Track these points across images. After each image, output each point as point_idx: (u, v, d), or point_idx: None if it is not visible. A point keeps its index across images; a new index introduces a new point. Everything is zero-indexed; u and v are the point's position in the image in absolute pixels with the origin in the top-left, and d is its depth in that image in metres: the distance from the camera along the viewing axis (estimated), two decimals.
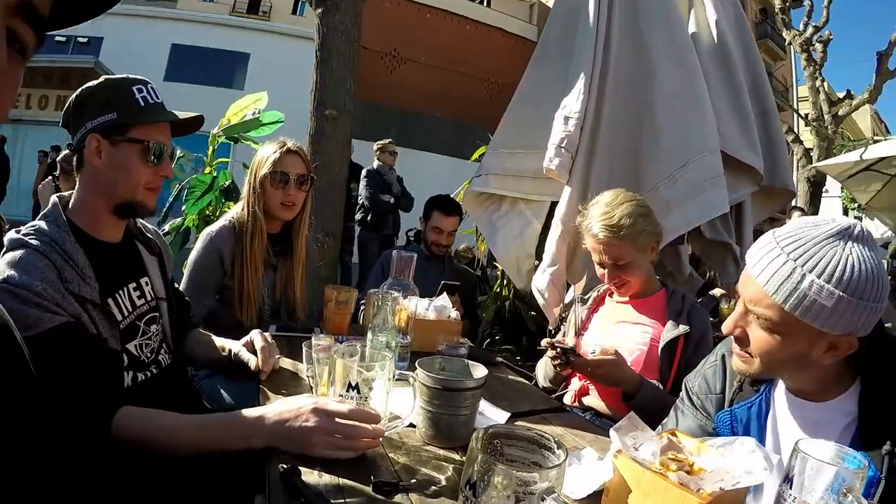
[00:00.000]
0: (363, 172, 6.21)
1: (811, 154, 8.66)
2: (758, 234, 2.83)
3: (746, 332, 1.06)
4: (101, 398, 1.08)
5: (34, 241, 1.17)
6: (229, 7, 21.54)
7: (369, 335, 1.45)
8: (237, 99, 3.93)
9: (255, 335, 1.55)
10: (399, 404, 1.19)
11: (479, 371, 1.19)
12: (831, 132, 8.53)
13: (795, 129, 9.71)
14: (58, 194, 1.34)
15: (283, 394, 1.35)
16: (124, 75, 1.34)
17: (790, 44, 9.22)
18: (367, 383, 1.09)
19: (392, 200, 6.25)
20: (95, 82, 1.33)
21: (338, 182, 3.62)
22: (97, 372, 1.14)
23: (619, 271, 1.84)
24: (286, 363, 1.61)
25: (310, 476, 0.93)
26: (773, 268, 0.98)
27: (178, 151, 1.42)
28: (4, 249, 1.17)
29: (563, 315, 2.25)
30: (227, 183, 3.66)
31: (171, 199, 3.81)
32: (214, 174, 3.69)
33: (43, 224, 1.23)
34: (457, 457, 1.09)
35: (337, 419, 1.01)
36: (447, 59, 14.39)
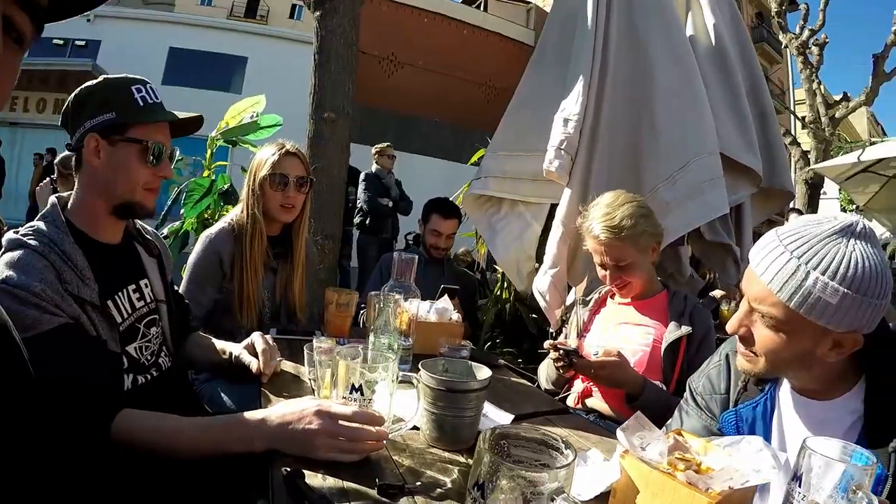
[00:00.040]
0: (362, 176, 6.20)
1: (808, 156, 8.69)
2: (756, 236, 2.84)
3: (751, 332, 1.06)
4: (100, 400, 1.07)
5: (33, 242, 1.16)
6: (227, 11, 21.60)
7: (371, 337, 1.44)
8: (235, 102, 3.93)
9: (256, 337, 1.53)
10: (402, 407, 1.18)
11: (483, 372, 1.18)
12: (828, 134, 8.56)
13: (793, 132, 9.74)
14: (56, 195, 1.33)
15: (285, 396, 1.34)
16: (123, 75, 1.33)
17: (786, 47, 9.27)
18: (370, 385, 1.08)
19: (390, 204, 6.25)
20: (94, 82, 1.32)
21: (337, 185, 3.62)
22: (97, 374, 1.13)
23: (621, 272, 1.84)
24: (287, 366, 1.59)
25: (313, 479, 0.92)
26: (777, 266, 0.97)
27: (177, 153, 1.40)
28: (3, 250, 1.16)
29: (565, 317, 2.25)
30: (225, 186, 3.64)
31: (169, 203, 3.80)
32: (213, 177, 3.68)
33: (42, 224, 1.22)
34: (462, 459, 1.08)
35: (340, 421, 1.00)
36: (445, 63, 14.40)
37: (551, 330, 2.65)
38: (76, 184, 1.33)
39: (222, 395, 1.73)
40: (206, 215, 3.59)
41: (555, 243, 2.57)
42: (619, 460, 0.85)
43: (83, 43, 14.78)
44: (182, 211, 3.58)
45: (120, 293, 1.34)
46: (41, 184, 4.35)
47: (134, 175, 1.30)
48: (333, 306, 1.91)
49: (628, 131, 2.65)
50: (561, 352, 1.68)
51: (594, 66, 2.59)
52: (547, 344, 1.73)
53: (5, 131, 13.79)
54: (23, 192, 10.16)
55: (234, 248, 1.97)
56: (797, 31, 8.86)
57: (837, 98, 8.82)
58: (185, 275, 2.00)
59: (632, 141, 2.64)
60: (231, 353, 1.56)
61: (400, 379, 1.13)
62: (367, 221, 6.19)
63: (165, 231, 3.54)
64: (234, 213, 2.07)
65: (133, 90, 1.30)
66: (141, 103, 1.30)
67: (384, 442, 1.06)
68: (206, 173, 3.77)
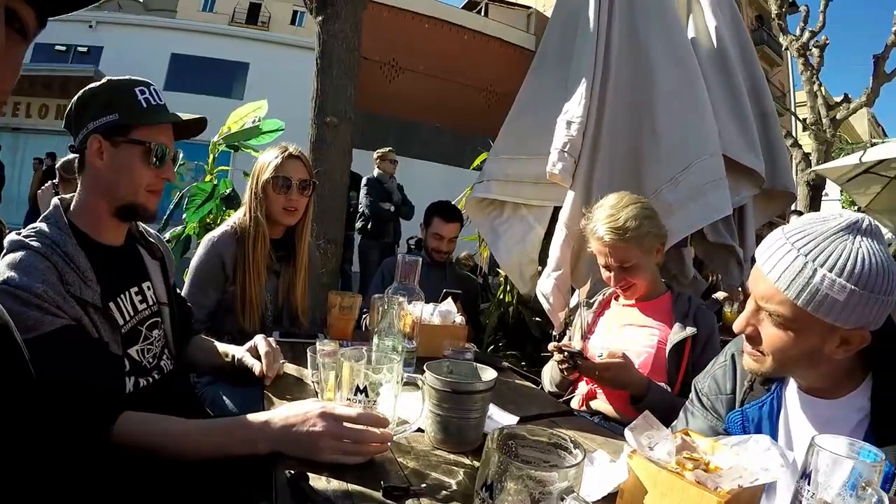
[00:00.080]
0: (363, 181, 6.21)
1: (810, 158, 8.68)
2: (758, 239, 2.83)
3: (758, 331, 1.05)
4: (102, 402, 1.07)
5: (35, 243, 1.15)
6: (228, 17, 21.71)
7: (375, 339, 1.44)
8: (236, 108, 3.94)
9: (259, 340, 1.53)
10: (406, 409, 1.17)
11: (489, 374, 1.17)
12: (830, 136, 8.56)
13: (794, 134, 9.74)
14: (59, 196, 1.32)
15: (288, 399, 1.33)
16: (127, 77, 1.33)
17: (787, 49, 9.28)
18: (374, 387, 1.08)
19: (392, 208, 6.25)
20: (98, 83, 1.31)
21: (339, 189, 3.62)
22: (98, 376, 1.12)
23: (626, 274, 1.83)
24: (290, 369, 1.59)
25: (317, 482, 0.91)
26: (784, 264, 0.97)
27: (180, 156, 1.40)
28: (5, 251, 1.15)
29: (568, 319, 2.24)
30: (227, 191, 3.64)
31: (171, 207, 3.80)
32: (215, 182, 3.69)
33: (44, 226, 1.22)
34: (467, 461, 1.07)
35: (345, 423, 0.99)
36: (445, 68, 14.44)
37: (554, 333, 2.64)
38: (79, 185, 1.33)
39: (224, 398, 1.72)
40: (208, 220, 3.60)
41: (558, 246, 2.57)
42: (627, 460, 0.84)
43: (85, 49, 14.84)
44: (184, 215, 3.59)
45: (122, 295, 1.34)
46: (43, 187, 4.34)
47: (137, 177, 1.30)
48: (336, 309, 1.91)
49: (630, 134, 2.65)
50: (565, 354, 1.67)
51: (596, 69, 2.60)
52: (551, 346, 1.72)
53: (7, 137, 13.86)
54: (24, 198, 10.19)
55: (236, 250, 1.97)
56: (797, 32, 8.87)
57: (838, 99, 8.82)
58: (188, 278, 1.99)
59: (634, 144, 2.64)
60: (233, 356, 1.56)
61: (404, 381, 1.12)
62: (369, 226, 6.19)
63: (167, 235, 3.54)
64: (236, 217, 2.06)
65: (136, 92, 1.30)
66: (144, 105, 1.30)
67: (388, 444, 1.05)
68: (208, 178, 3.77)
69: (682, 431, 0.93)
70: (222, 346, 1.63)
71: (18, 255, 1.13)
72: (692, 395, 1.36)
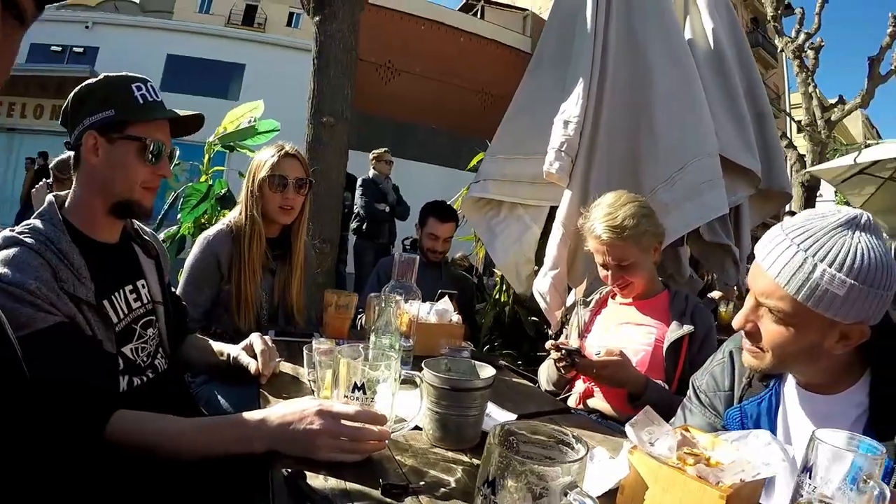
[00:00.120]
0: (359, 181, 6.19)
1: (805, 159, 8.71)
2: (753, 240, 2.84)
3: (758, 327, 1.06)
4: (95, 401, 1.05)
5: (29, 240, 1.14)
6: (225, 18, 21.67)
7: (372, 337, 1.43)
8: (232, 109, 3.93)
9: (255, 338, 1.51)
10: (404, 407, 1.16)
11: (487, 371, 1.17)
12: (824, 137, 8.60)
13: (788, 135, 9.78)
14: (54, 193, 1.31)
15: (284, 398, 1.32)
16: (124, 73, 1.32)
17: (782, 51, 9.31)
18: (372, 384, 1.07)
19: (387, 209, 6.24)
20: (94, 80, 1.30)
21: (335, 189, 3.61)
22: (92, 374, 1.10)
23: (623, 272, 1.83)
24: (286, 367, 1.58)
25: (315, 480, 0.90)
26: (784, 259, 0.97)
27: (177, 153, 1.39)
28: None
29: (565, 318, 2.24)
30: (222, 191, 3.63)
31: (165, 208, 3.79)
32: (210, 182, 3.67)
33: (38, 223, 1.20)
34: (465, 458, 1.06)
35: (342, 421, 0.98)
36: (441, 70, 14.42)
37: (550, 332, 2.64)
38: (74, 182, 1.31)
39: (219, 397, 1.70)
40: (202, 220, 3.58)
41: (555, 245, 2.56)
42: (628, 456, 0.84)
43: (81, 50, 14.79)
44: (179, 216, 3.58)
45: (116, 293, 1.32)
46: (37, 186, 4.31)
47: (132, 173, 1.29)
48: (333, 308, 1.90)
49: (627, 134, 2.65)
50: (563, 352, 1.67)
51: (593, 69, 2.60)
52: (548, 344, 1.72)
53: (2, 137, 13.81)
54: (18, 198, 10.13)
55: (232, 249, 1.96)
56: (793, 34, 8.90)
57: (833, 101, 8.86)
58: (183, 276, 1.98)
59: (631, 143, 2.65)
60: (229, 355, 1.54)
61: (402, 378, 1.11)
62: (364, 227, 6.18)
63: (162, 235, 3.52)
64: (232, 215, 2.05)
65: (133, 88, 1.28)
66: (141, 101, 1.28)
67: (386, 442, 1.04)
68: (203, 178, 3.76)
69: (682, 427, 0.93)
70: (217, 345, 1.62)
71: (12, 251, 1.11)
72: (690, 392, 1.36)
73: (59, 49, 14.70)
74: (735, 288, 2.90)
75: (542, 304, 2.60)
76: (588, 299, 2.06)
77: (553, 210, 2.80)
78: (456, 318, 1.98)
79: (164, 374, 1.46)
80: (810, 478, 0.77)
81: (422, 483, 0.93)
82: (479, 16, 18.38)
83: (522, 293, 3.16)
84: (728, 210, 2.52)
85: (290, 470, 0.90)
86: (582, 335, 1.97)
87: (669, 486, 0.77)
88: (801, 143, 9.20)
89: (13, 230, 1.17)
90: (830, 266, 0.93)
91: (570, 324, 2.09)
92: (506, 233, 3.02)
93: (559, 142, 2.53)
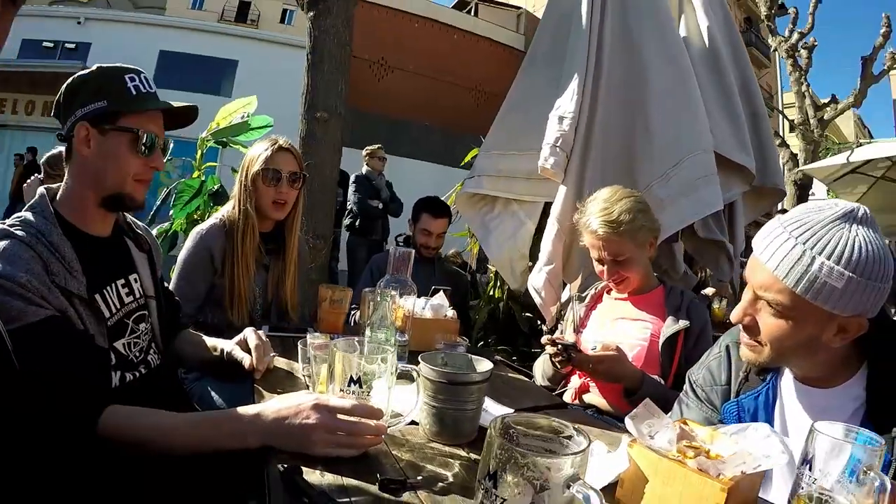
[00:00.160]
0: (352, 178, 6.18)
1: (797, 158, 8.77)
2: (747, 238, 2.84)
3: (756, 320, 1.06)
4: (87, 395, 1.04)
5: (19, 232, 1.12)
6: (218, 14, 21.56)
7: (367, 332, 1.42)
8: (225, 105, 3.89)
9: (249, 333, 1.49)
10: (399, 402, 1.14)
11: (484, 365, 1.16)
12: (817, 136, 8.65)
13: (781, 134, 9.83)
14: (45, 186, 1.29)
15: (279, 393, 1.30)
16: (118, 64, 1.29)
17: (776, 50, 9.36)
18: (368, 377, 1.05)
19: (380, 206, 6.23)
20: (87, 70, 1.28)
21: (328, 185, 3.59)
22: (83, 368, 1.09)
23: (619, 267, 1.82)
24: (280, 362, 1.56)
25: (311, 476, 0.88)
26: (782, 252, 0.98)
27: (171, 145, 1.37)
28: None
29: (560, 314, 2.24)
30: (215, 187, 3.60)
31: (158, 203, 3.75)
32: (203, 178, 3.64)
33: (29, 215, 1.18)
34: (463, 453, 1.05)
35: (339, 415, 0.97)
36: (435, 67, 14.43)
37: (544, 327, 2.64)
38: (66, 174, 1.29)
39: (212, 393, 1.69)
40: (195, 216, 3.55)
41: (550, 240, 2.56)
42: (627, 449, 0.83)
43: (73, 46, 14.62)
44: (171, 212, 3.54)
45: (108, 287, 1.30)
46: (28, 181, 4.27)
47: (124, 165, 1.26)
48: (327, 303, 1.88)
49: (623, 131, 2.66)
50: (559, 346, 1.66)
51: (588, 66, 2.61)
52: (545, 339, 1.71)
53: None
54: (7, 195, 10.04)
55: (225, 243, 1.94)
56: (786, 34, 8.95)
57: (825, 101, 8.92)
58: (176, 271, 1.96)
59: (626, 140, 2.65)
60: (223, 350, 1.52)
61: (398, 372, 1.10)
62: (357, 223, 6.16)
63: (154, 232, 3.49)
64: (225, 210, 2.03)
65: (126, 79, 1.26)
66: (134, 92, 1.26)
67: (382, 437, 1.03)
68: (195, 174, 3.73)
69: (681, 421, 0.93)
70: (210, 341, 1.60)
71: (2, 244, 1.09)
72: (686, 386, 1.36)
73: (51, 45, 14.54)
74: (729, 284, 2.91)
75: (537, 300, 2.60)
76: (583, 295, 2.06)
77: (547, 206, 2.79)
78: (451, 313, 1.97)
79: (156, 369, 1.44)
80: (810, 470, 0.77)
81: (419, 478, 0.92)
82: (472, 13, 18.36)
83: (517, 289, 3.16)
84: (723, 206, 2.52)
85: (285, 465, 0.89)
86: (577, 330, 1.97)
87: (670, 479, 0.77)
88: (794, 143, 9.26)
89: (3, 223, 1.15)
90: (829, 258, 0.93)
91: (565, 319, 2.08)
92: (500, 229, 3.02)
93: (554, 137, 2.53)
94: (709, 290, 3.69)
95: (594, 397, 1.82)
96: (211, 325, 1.89)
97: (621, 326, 1.87)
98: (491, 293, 3.84)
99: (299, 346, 1.43)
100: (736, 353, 1.24)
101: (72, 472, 1.02)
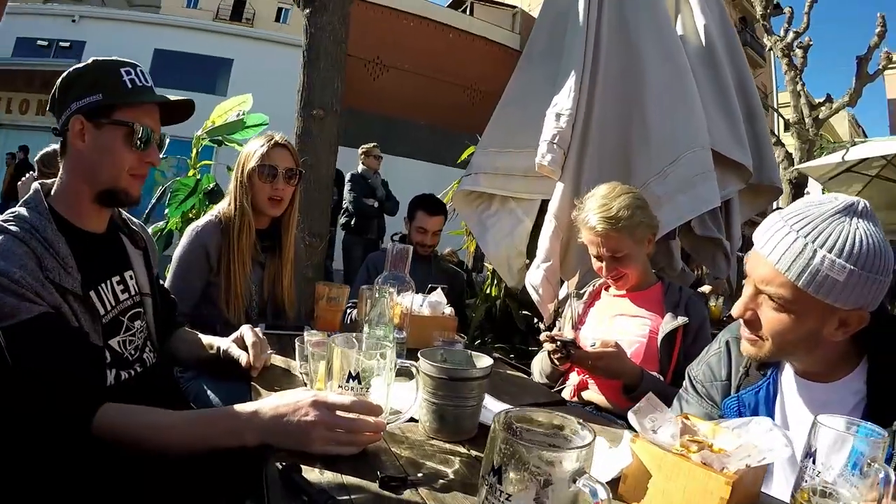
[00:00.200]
0: (347, 176, 6.16)
1: (792, 157, 8.79)
2: (744, 236, 2.84)
3: (757, 315, 1.06)
4: (81, 393, 1.02)
5: (13, 228, 1.10)
6: (213, 13, 21.48)
7: (365, 328, 1.40)
8: (220, 104, 3.87)
9: (246, 330, 1.48)
10: (398, 399, 1.13)
11: (484, 361, 1.15)
12: (812, 134, 8.68)
13: (776, 133, 9.86)
14: (40, 181, 1.27)
15: (276, 391, 1.29)
16: (114, 57, 1.28)
17: (771, 49, 9.38)
18: (367, 373, 1.04)
19: (376, 204, 6.21)
20: (83, 64, 1.26)
21: (324, 183, 3.58)
22: (78, 366, 1.07)
23: (617, 264, 1.82)
24: (278, 360, 1.55)
25: (310, 474, 0.87)
26: (784, 245, 0.98)
27: (167, 140, 1.35)
28: None
29: (558, 311, 2.23)
30: (210, 186, 3.58)
31: (153, 202, 3.73)
32: (198, 177, 3.62)
33: (23, 210, 1.16)
34: (463, 450, 1.04)
35: (338, 412, 0.96)
36: (430, 66, 14.42)
37: (541, 325, 2.63)
38: (60, 169, 1.27)
39: (209, 392, 1.67)
40: (190, 215, 3.53)
41: (547, 237, 2.56)
42: (630, 444, 0.83)
43: (68, 44, 14.55)
44: (166, 211, 3.52)
45: (103, 284, 1.29)
46: (23, 179, 4.24)
47: (119, 159, 1.25)
48: (324, 301, 1.86)
49: (620, 128, 2.65)
50: (558, 343, 1.65)
51: (585, 63, 2.60)
52: (543, 335, 1.71)
53: None
54: None
55: (221, 240, 1.92)
56: (781, 33, 8.97)
57: (820, 100, 8.95)
58: (171, 268, 1.94)
59: (623, 138, 2.65)
60: (219, 348, 1.51)
61: (397, 368, 1.09)
62: (353, 222, 6.14)
63: (149, 231, 3.47)
64: (220, 206, 2.02)
65: (122, 72, 1.25)
66: (129, 85, 1.24)
67: (381, 434, 1.02)
68: (191, 173, 3.71)
69: (682, 416, 0.92)
70: (207, 338, 1.58)
71: None
72: (686, 382, 1.36)
73: (46, 43, 14.47)
74: (726, 282, 2.91)
75: (535, 297, 2.59)
76: (581, 292, 2.05)
77: (544, 204, 2.79)
78: (449, 310, 1.96)
79: (152, 368, 1.42)
80: (814, 463, 0.77)
81: (420, 475, 0.91)
82: (468, 12, 18.36)
83: (514, 287, 3.15)
84: (720, 203, 2.52)
85: (284, 463, 0.88)
86: (575, 327, 1.96)
87: (674, 474, 0.76)
88: (789, 141, 9.29)
89: None
90: (830, 252, 0.93)
91: (563, 316, 2.07)
92: (497, 226, 3.01)
93: (551, 134, 2.53)
94: (705, 288, 3.69)
95: (593, 394, 1.81)
96: (207, 323, 1.87)
97: (620, 323, 1.86)
98: (488, 291, 3.83)
99: (297, 344, 1.41)
100: (736, 348, 1.24)
101: (67, 471, 1.00)
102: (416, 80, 14.27)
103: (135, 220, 1.53)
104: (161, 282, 1.63)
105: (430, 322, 1.84)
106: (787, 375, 1.15)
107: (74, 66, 1.26)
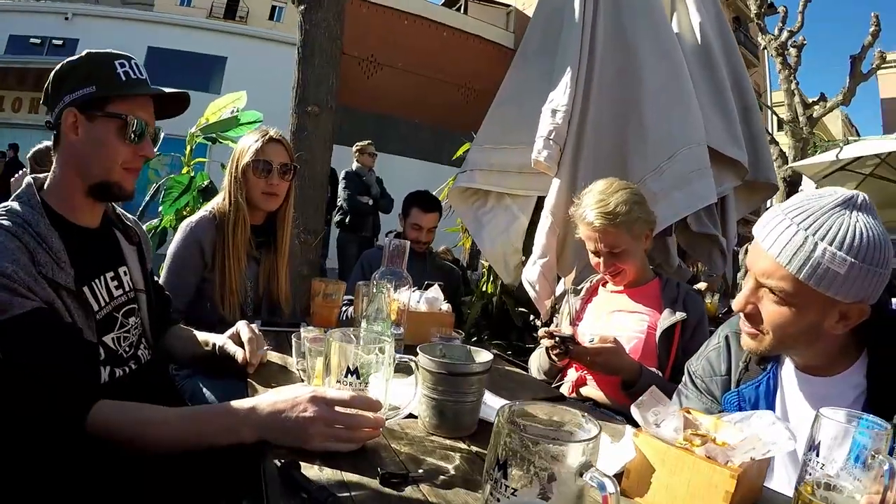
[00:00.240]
0: (342, 174, 6.13)
1: (786, 155, 8.83)
2: (739, 235, 2.85)
3: (758, 308, 1.05)
4: (75, 389, 1.01)
5: (5, 222, 1.08)
6: (206, 11, 21.38)
7: (363, 324, 1.39)
8: (214, 101, 3.85)
9: (242, 326, 1.46)
10: (397, 395, 1.12)
11: (483, 356, 1.14)
12: (806, 133, 8.71)
13: (770, 131, 9.90)
14: (33, 175, 1.25)
15: (273, 387, 1.28)
16: (108, 50, 1.26)
17: (765, 48, 9.41)
18: (365, 368, 1.03)
19: (370, 202, 6.19)
20: (77, 56, 1.24)
21: (319, 179, 3.57)
22: (71, 362, 1.05)
23: (615, 259, 1.81)
24: (274, 356, 1.53)
25: (309, 470, 0.86)
26: (784, 238, 0.97)
27: (162, 134, 1.33)
28: None
29: (555, 307, 2.22)
30: (204, 183, 3.56)
31: (147, 200, 3.70)
32: (192, 174, 3.60)
33: (15, 205, 1.14)
34: (463, 446, 1.03)
35: (336, 408, 0.94)
36: (424, 65, 14.36)
37: (538, 322, 2.62)
38: (53, 163, 1.25)
39: (204, 390, 1.66)
40: (184, 213, 3.50)
41: (544, 233, 2.55)
42: (633, 439, 0.82)
43: (61, 42, 14.44)
44: (160, 208, 3.50)
45: (97, 280, 1.27)
46: (16, 176, 4.21)
47: (112, 152, 1.22)
48: (320, 297, 1.85)
49: (616, 125, 2.65)
50: (556, 339, 1.64)
51: (581, 60, 2.60)
52: (542, 331, 1.70)
53: None
54: None
55: (215, 236, 1.90)
56: (776, 32, 9.00)
57: (814, 99, 8.99)
58: (165, 265, 1.92)
59: (619, 133, 2.65)
60: (214, 344, 1.49)
61: (396, 363, 1.08)
62: (347, 220, 6.12)
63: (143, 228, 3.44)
64: (215, 202, 2.00)
65: (116, 64, 1.22)
66: (123, 78, 1.22)
67: (381, 430, 1.01)
68: (185, 170, 3.68)
69: (684, 410, 0.91)
70: (202, 335, 1.56)
71: None
72: (685, 378, 1.35)
73: (39, 41, 14.36)
74: (722, 278, 2.91)
75: (532, 294, 2.58)
76: (578, 288, 2.05)
77: (540, 200, 2.78)
78: (446, 306, 1.95)
79: (147, 365, 1.40)
80: (817, 456, 0.76)
81: (420, 471, 0.90)
82: (462, 11, 18.33)
83: (510, 283, 3.15)
84: (716, 199, 2.52)
85: (283, 460, 0.86)
86: (573, 324, 1.96)
87: (678, 468, 0.75)
88: (783, 140, 9.32)
89: None
90: (831, 244, 0.93)
91: (560, 312, 2.07)
92: (493, 223, 3.00)
93: (547, 130, 2.52)
94: (701, 285, 3.70)
95: (591, 390, 1.81)
96: (202, 319, 1.85)
97: (618, 319, 1.86)
98: (484, 288, 3.82)
99: (293, 340, 1.40)
100: (736, 343, 1.24)
101: (62, 470, 0.99)
102: (410, 78, 14.21)
103: (129, 215, 1.51)
104: (156, 278, 1.61)
105: (427, 318, 1.83)
106: (787, 370, 1.15)
107: (68, 59, 1.24)
